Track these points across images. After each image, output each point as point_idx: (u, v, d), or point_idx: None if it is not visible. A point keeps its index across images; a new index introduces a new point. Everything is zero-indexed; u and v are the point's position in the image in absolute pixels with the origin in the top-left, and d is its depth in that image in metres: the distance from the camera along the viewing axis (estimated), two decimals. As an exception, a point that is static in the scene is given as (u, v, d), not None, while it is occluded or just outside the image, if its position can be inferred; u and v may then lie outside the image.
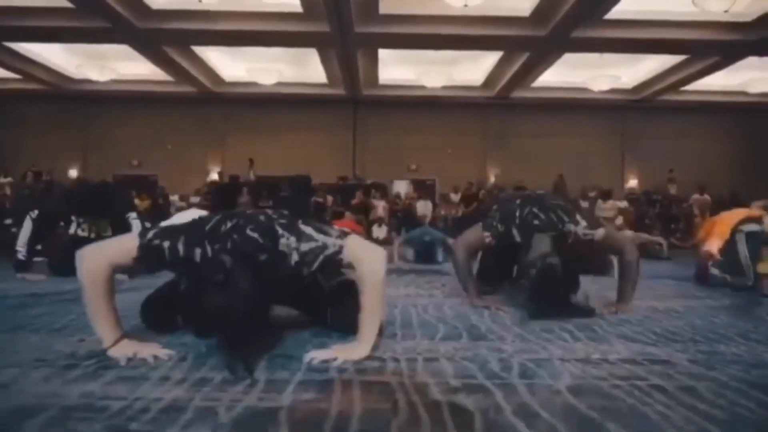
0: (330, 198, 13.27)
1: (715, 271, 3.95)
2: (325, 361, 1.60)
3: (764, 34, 10.34)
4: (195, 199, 13.34)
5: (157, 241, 1.69)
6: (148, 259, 1.70)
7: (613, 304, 2.74)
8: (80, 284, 1.66)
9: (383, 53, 12.45)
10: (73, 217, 4.34)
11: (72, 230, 4.37)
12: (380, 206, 13.19)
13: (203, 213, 5.16)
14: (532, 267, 2.44)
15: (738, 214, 4.18)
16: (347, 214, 11.39)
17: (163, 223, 1.90)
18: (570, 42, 10.97)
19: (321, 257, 1.71)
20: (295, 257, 1.70)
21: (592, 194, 13.74)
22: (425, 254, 5.99)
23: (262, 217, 1.75)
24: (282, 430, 1.09)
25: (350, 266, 1.76)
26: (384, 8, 10.03)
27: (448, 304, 2.87)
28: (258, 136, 15.88)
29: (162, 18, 10.37)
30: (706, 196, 13.36)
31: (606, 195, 12.55)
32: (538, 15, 10.13)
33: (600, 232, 2.75)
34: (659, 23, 10.31)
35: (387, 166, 15.87)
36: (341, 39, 11.06)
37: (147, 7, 9.99)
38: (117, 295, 3.05)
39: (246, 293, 1.46)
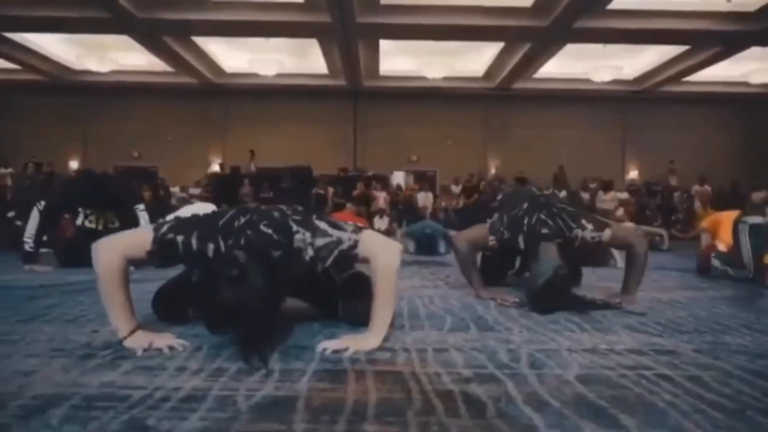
0: (331, 189, 13.29)
1: (716, 262, 3.99)
2: (337, 351, 1.63)
3: (767, 24, 10.33)
4: (195, 191, 13.36)
5: (171, 235, 1.71)
6: (161, 253, 1.72)
7: (617, 295, 2.78)
8: (96, 276, 1.68)
9: (384, 44, 12.42)
10: (80, 209, 4.36)
11: (79, 222, 4.40)
12: (381, 198, 13.22)
13: (212, 207, 5.26)
14: (540, 276, 2.48)
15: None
16: (348, 205, 11.42)
17: (177, 214, 1.92)
18: (572, 33, 10.97)
19: (336, 252, 1.74)
20: (309, 252, 1.72)
21: (592, 185, 13.77)
22: (427, 246, 6.01)
23: (276, 213, 1.76)
24: (301, 417, 1.12)
25: (365, 260, 1.77)
26: (385, -2, 10.03)
27: (454, 296, 2.90)
28: (259, 128, 15.88)
29: (162, 8, 10.36)
30: (707, 187, 13.39)
31: (607, 186, 12.59)
32: (540, 5, 10.12)
33: (607, 234, 2.78)
34: (661, 13, 10.30)
35: (388, 157, 15.87)
36: (342, 29, 11.04)
37: (147, -3, 9.97)
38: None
39: (259, 289, 1.48)
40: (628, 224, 7.80)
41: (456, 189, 14.02)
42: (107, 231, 4.37)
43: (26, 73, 14.22)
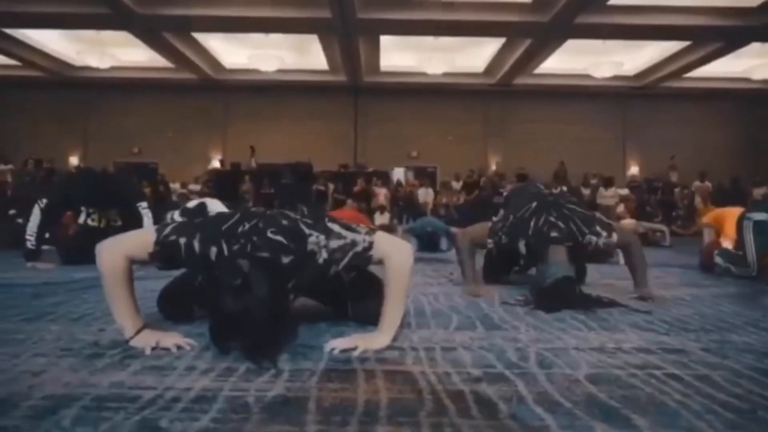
0: (331, 186, 13.28)
1: (719, 260, 3.99)
2: (346, 350, 1.62)
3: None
4: (195, 187, 13.36)
5: (173, 237, 1.70)
6: (164, 255, 1.72)
7: (637, 293, 2.81)
8: (100, 276, 1.68)
9: (385, 40, 12.40)
10: (82, 207, 4.35)
11: (81, 220, 4.39)
12: (381, 194, 13.22)
13: (219, 204, 5.26)
14: (547, 277, 2.49)
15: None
16: (348, 201, 11.43)
17: (176, 216, 1.92)
18: (573, 28, 10.95)
19: (350, 254, 1.73)
20: (324, 255, 1.72)
21: (593, 181, 13.78)
22: (428, 243, 6.00)
23: (285, 221, 1.74)
24: (312, 418, 1.12)
25: (379, 262, 1.77)
26: (386, -6, 10.00)
27: (458, 293, 2.90)
28: (259, 124, 15.86)
29: (162, 4, 10.34)
30: (707, 183, 13.40)
31: (608, 182, 12.60)
32: (541, 1, 10.09)
33: (614, 237, 2.80)
34: (662, 9, 10.29)
35: (388, 153, 15.86)
36: (343, 25, 11.02)
37: (147, -7, 9.95)
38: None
39: (263, 299, 1.45)
40: (630, 221, 7.81)
41: (457, 185, 14.02)
42: (110, 229, 4.37)
43: (26, 70, 14.20)
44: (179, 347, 1.63)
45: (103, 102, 15.92)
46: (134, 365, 1.49)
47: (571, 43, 12.23)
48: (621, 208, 10.44)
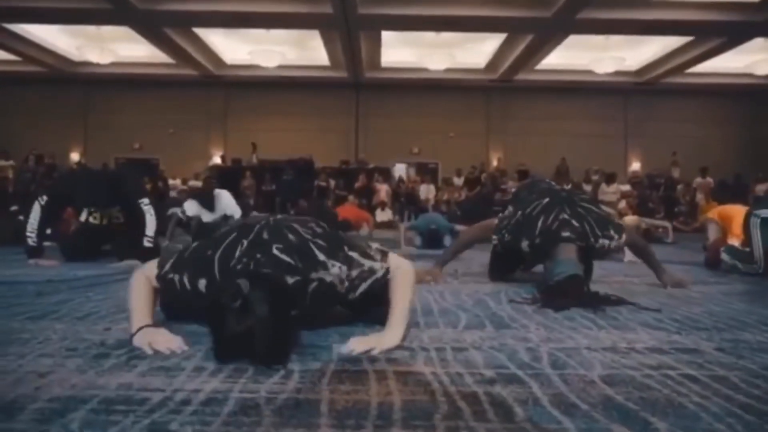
0: (332, 182, 13.26)
1: (726, 257, 3.96)
2: (363, 353, 1.58)
3: (771, 16, 10.27)
4: (196, 183, 13.32)
5: (171, 275, 1.69)
6: (164, 291, 1.73)
7: (666, 282, 2.98)
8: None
9: (386, 35, 12.37)
10: (83, 208, 4.33)
11: (83, 218, 4.36)
12: (383, 190, 13.21)
13: (229, 196, 5.22)
14: (555, 275, 2.48)
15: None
16: (350, 198, 11.41)
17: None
18: (575, 23, 10.91)
19: (370, 281, 1.72)
20: (346, 284, 1.70)
21: (595, 177, 13.76)
22: (432, 240, 5.99)
23: (292, 237, 1.70)
24: (325, 422, 1.10)
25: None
26: (388, -11, 9.96)
27: (465, 291, 2.88)
28: (260, 120, 15.83)
29: (163, -1, 10.29)
30: (708, 179, 13.37)
31: (610, 179, 12.57)
32: (544, -4, 10.05)
33: (624, 238, 2.80)
34: (664, 4, 10.27)
35: (389, 149, 15.85)
36: (344, 21, 10.98)
37: (148, -12, 9.91)
38: (129, 282, 3.08)
39: (265, 319, 1.39)
40: (632, 217, 7.78)
41: (458, 181, 14.00)
42: (112, 226, 4.34)
43: (27, 65, 14.16)
44: (172, 351, 1.58)
45: (104, 98, 15.90)
46: (141, 366, 1.46)
47: (573, 39, 12.19)
48: (623, 204, 10.42)
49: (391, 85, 15.62)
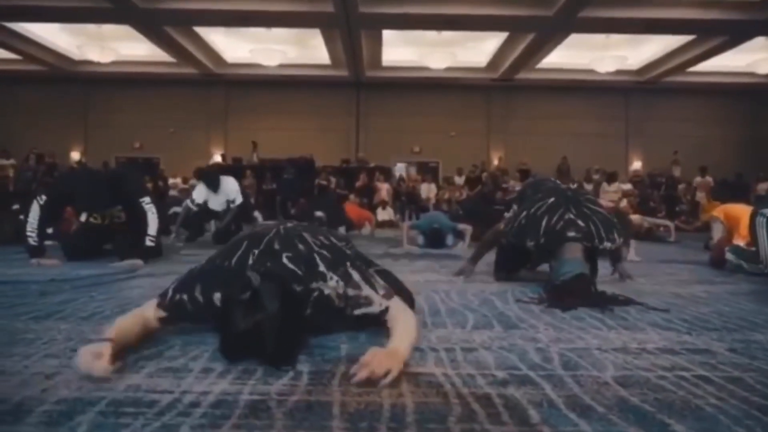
0: (333, 179, 13.22)
1: (731, 256, 3.94)
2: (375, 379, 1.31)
3: (774, 14, 10.24)
4: (197, 182, 13.28)
5: (177, 297, 1.64)
6: (175, 317, 1.67)
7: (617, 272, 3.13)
8: None
9: (387, 34, 12.33)
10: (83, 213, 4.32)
11: (83, 218, 4.34)
12: (384, 189, 13.17)
13: (234, 182, 5.17)
14: (562, 274, 2.47)
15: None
16: (351, 197, 11.37)
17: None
18: (576, 22, 10.87)
19: (363, 310, 1.64)
20: (343, 301, 1.64)
21: (596, 177, 13.73)
22: (434, 240, 5.96)
23: (302, 246, 1.68)
24: (338, 425, 1.08)
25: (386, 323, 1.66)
26: (389, -12, 9.93)
27: (470, 291, 2.86)
28: (260, 119, 15.80)
29: (164, -3, 10.26)
30: (708, 178, 13.34)
31: (611, 178, 12.54)
32: (546, -5, 10.02)
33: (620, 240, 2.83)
34: (666, 2, 10.24)
35: (390, 148, 15.83)
36: (345, 19, 10.94)
37: (149, -13, 9.87)
38: (133, 281, 3.06)
39: (274, 315, 1.36)
40: (635, 216, 7.76)
41: (459, 180, 13.97)
42: (113, 225, 4.32)
43: (27, 64, 14.12)
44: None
45: (104, 97, 15.87)
46: (149, 367, 1.45)
47: (574, 38, 12.16)
48: (624, 203, 10.39)
49: (392, 84, 15.59)
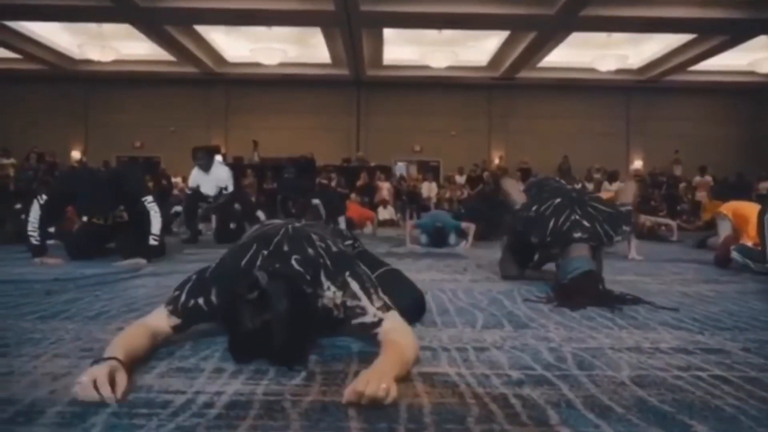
0: (333, 175, 13.18)
1: (737, 255, 3.93)
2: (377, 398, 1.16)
3: (776, 13, 10.22)
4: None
5: (191, 302, 1.59)
6: (190, 322, 1.63)
7: None
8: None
9: (388, 33, 12.32)
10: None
11: (86, 218, 4.32)
12: (385, 188, 13.16)
13: (226, 169, 5.14)
14: (569, 273, 2.46)
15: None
16: (352, 196, 11.36)
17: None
18: (578, 21, 10.85)
19: (359, 320, 1.57)
20: (342, 312, 1.59)
21: (597, 176, 13.72)
22: (437, 238, 5.95)
23: (311, 250, 1.65)
24: (356, 426, 1.07)
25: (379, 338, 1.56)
26: (390, -14, 9.91)
27: (477, 289, 2.85)
28: (261, 118, 15.78)
29: (164, -4, 10.24)
30: (707, 178, 13.33)
31: (612, 176, 12.53)
32: (547, -7, 10.00)
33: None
34: (667, 1, 10.22)
35: (391, 147, 15.82)
36: (346, 18, 10.93)
37: (150, -14, 9.85)
38: (138, 280, 3.04)
39: (284, 314, 1.33)
40: (638, 215, 7.74)
41: (460, 179, 13.96)
42: (116, 225, 4.30)
43: (28, 63, 14.10)
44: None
45: (105, 96, 15.85)
46: (160, 367, 1.43)
47: (575, 36, 12.15)
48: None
49: (393, 83, 15.58)
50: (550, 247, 2.84)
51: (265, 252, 1.64)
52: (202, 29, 12.46)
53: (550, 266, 3.16)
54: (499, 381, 1.35)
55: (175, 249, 5.12)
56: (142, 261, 3.84)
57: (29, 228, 3.91)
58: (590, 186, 13.10)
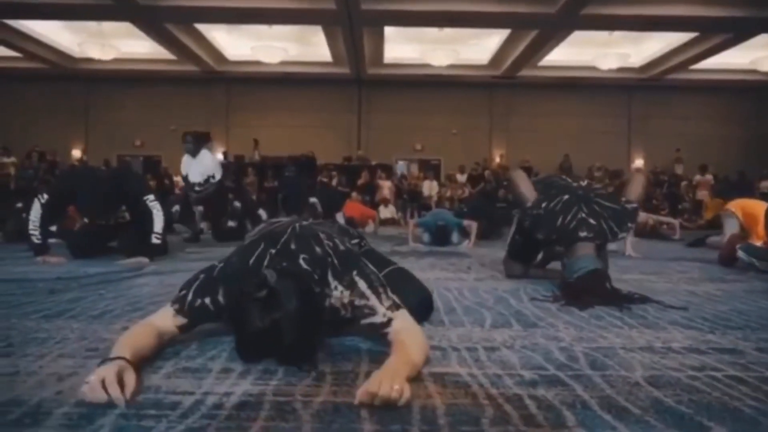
0: (334, 173, 13.17)
1: (742, 254, 3.90)
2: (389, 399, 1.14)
3: (778, 11, 10.19)
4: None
5: (198, 301, 1.56)
6: (197, 322, 1.60)
7: None
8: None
9: (389, 31, 12.29)
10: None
11: (87, 219, 4.31)
12: (386, 187, 13.14)
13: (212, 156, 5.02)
14: (575, 271, 2.45)
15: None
16: (353, 194, 11.34)
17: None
18: (579, 19, 10.83)
19: (366, 321, 1.54)
20: (349, 311, 1.56)
21: (598, 174, 13.69)
22: (439, 237, 5.93)
23: (318, 249, 1.63)
24: (369, 427, 1.05)
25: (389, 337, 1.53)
26: (392, -15, 9.88)
27: (482, 288, 2.83)
28: (262, 116, 15.76)
29: (165, -6, 10.21)
30: (708, 177, 13.31)
31: (615, 175, 12.51)
32: (549, -9, 9.97)
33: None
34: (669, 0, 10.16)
35: (392, 146, 15.79)
36: (347, 16, 10.90)
37: (150, -16, 9.82)
38: (141, 279, 3.02)
39: (292, 312, 1.31)
40: (641, 213, 7.72)
41: (462, 178, 13.93)
42: (118, 225, 4.28)
43: (28, 62, 14.07)
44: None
45: (105, 94, 15.82)
46: (166, 367, 1.41)
47: (576, 35, 12.12)
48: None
49: (394, 82, 15.54)
50: (555, 244, 2.83)
51: (273, 251, 1.62)
52: (202, 27, 12.44)
53: (555, 265, 3.15)
54: (512, 381, 1.33)
55: (177, 248, 5.10)
56: (145, 260, 3.82)
57: (30, 227, 3.89)
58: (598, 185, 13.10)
